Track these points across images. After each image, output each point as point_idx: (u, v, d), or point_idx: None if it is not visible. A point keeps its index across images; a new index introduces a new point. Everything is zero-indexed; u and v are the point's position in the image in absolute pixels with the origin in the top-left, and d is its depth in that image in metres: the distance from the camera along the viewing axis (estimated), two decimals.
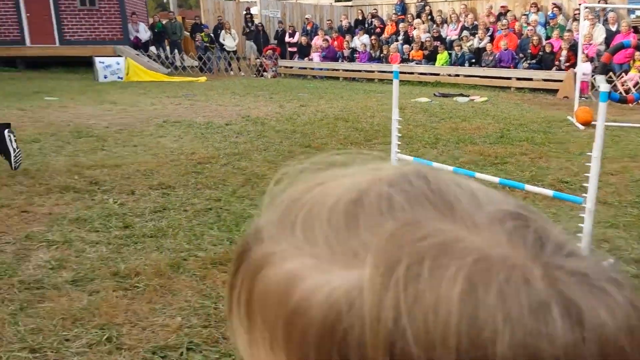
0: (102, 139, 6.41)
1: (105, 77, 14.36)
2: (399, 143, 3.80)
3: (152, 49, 17.90)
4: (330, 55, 17.48)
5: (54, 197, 4.13)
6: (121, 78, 14.53)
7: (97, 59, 14.51)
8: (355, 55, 17.27)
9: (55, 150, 5.78)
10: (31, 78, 14.55)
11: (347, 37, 17.68)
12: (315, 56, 17.77)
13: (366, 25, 18.28)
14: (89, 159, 5.39)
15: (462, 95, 12.04)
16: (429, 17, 16.94)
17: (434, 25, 16.50)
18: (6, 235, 3.35)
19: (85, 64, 16.15)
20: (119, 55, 15.56)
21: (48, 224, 3.55)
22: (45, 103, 9.60)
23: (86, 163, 5.18)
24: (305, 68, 17.74)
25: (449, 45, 15.60)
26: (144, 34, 17.70)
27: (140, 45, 17.45)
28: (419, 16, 17.26)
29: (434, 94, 12.31)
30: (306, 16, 20.00)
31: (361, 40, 17.22)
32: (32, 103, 9.50)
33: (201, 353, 2.12)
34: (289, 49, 18.85)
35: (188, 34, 19.13)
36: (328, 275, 0.28)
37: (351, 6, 21.41)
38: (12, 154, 4.81)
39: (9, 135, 4.84)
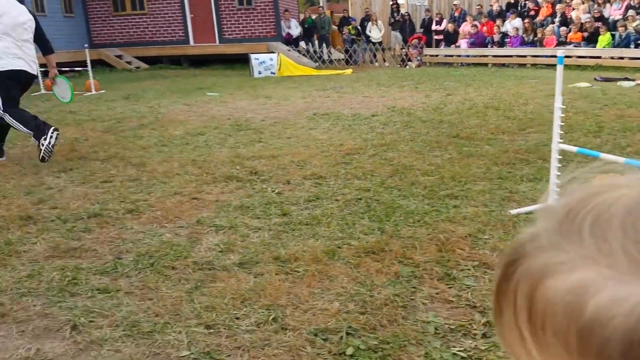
0: (259, 132, 6.80)
1: (259, 73, 15.18)
2: (561, 132, 3.58)
3: (302, 43, 18.58)
4: (478, 41, 16.83)
5: (219, 185, 4.48)
6: (274, 73, 15.26)
7: (252, 56, 15.39)
8: (505, 40, 16.46)
9: (218, 142, 6.25)
10: (194, 75, 15.83)
11: (498, 22, 16.90)
12: (462, 43, 17.23)
13: (519, 8, 17.33)
14: (249, 150, 5.76)
15: (627, 79, 10.96)
16: None
17: (595, 5, 15.19)
18: (180, 220, 3.70)
19: (242, 61, 17.21)
20: (272, 52, 16.35)
21: (216, 210, 3.86)
22: (207, 98, 10.40)
23: (246, 154, 5.54)
24: (452, 56, 17.27)
25: (612, 26, 14.28)
26: (295, 29, 18.42)
27: (291, 41, 18.20)
28: None
29: (595, 79, 11.35)
30: (454, 2, 19.45)
31: (512, 24, 16.36)
32: (196, 98, 10.35)
33: (360, 339, 2.19)
34: (435, 37, 18.46)
35: (336, 27, 19.56)
36: (631, 286, 0.27)
37: None
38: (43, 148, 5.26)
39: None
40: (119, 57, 18.07)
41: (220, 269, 2.87)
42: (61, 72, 14.66)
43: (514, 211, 3.64)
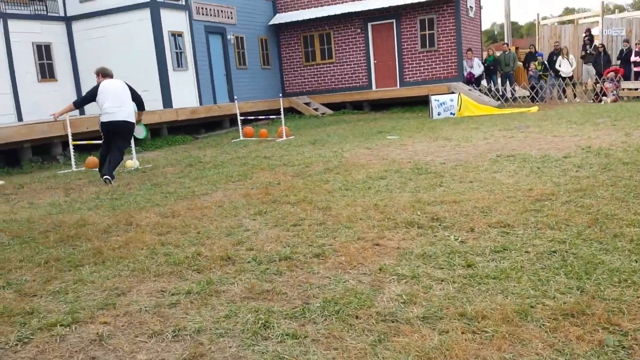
0: (439, 175, 6.70)
1: (438, 114, 15.10)
2: None
3: (484, 82, 18.12)
4: None
5: (401, 231, 4.48)
6: (453, 114, 15.07)
7: (432, 97, 15.39)
8: None
9: (399, 186, 6.28)
10: (375, 119, 16.26)
11: None
12: None
13: None
14: (429, 195, 5.69)
15: None
16: None
17: None
18: (363, 266, 3.75)
19: (421, 103, 17.31)
20: (453, 92, 16.20)
21: (397, 258, 3.85)
22: (387, 142, 10.57)
23: (427, 199, 5.48)
24: None
25: None
26: (478, 69, 18.04)
27: (473, 80, 17.88)
28: None
29: None
30: None
31: None
32: (376, 142, 10.58)
33: None
34: (635, 69, 16.81)
35: (520, 64, 18.79)
36: None
37: None
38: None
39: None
40: (307, 104, 19.31)
41: (403, 322, 2.83)
42: (257, 120, 16.16)
43: None
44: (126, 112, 8.43)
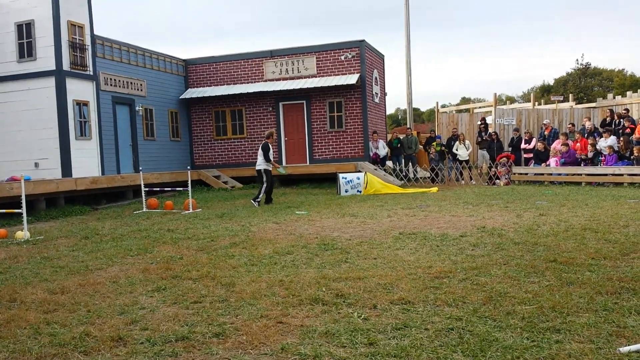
0: (345, 252, 6.78)
1: (346, 191, 15.49)
2: None
3: (389, 163, 18.98)
4: (570, 159, 16.44)
5: (305, 308, 4.42)
6: (360, 192, 15.51)
7: (340, 175, 15.82)
8: (600, 158, 15.97)
9: (305, 262, 6.27)
10: (285, 194, 16.38)
11: (590, 140, 16.54)
12: (552, 161, 16.89)
13: (613, 126, 16.94)
14: (335, 271, 5.71)
15: None
16: None
17: None
18: (265, 346, 3.64)
19: (329, 179, 17.71)
20: (359, 171, 16.76)
21: (300, 336, 3.77)
22: (296, 217, 10.63)
23: (332, 275, 5.49)
24: (542, 174, 16.91)
25: None
26: (383, 150, 19.00)
27: (378, 161, 18.67)
28: None
29: None
30: (544, 121, 19.38)
31: (607, 143, 15.91)
32: (285, 217, 10.60)
33: None
34: (524, 155, 18.29)
35: (422, 147, 19.91)
36: None
37: (595, 107, 20.15)
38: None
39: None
40: (217, 177, 19.17)
41: None
42: (163, 191, 15.79)
43: (623, 349, 3.29)
44: (257, 162, 13.69)
